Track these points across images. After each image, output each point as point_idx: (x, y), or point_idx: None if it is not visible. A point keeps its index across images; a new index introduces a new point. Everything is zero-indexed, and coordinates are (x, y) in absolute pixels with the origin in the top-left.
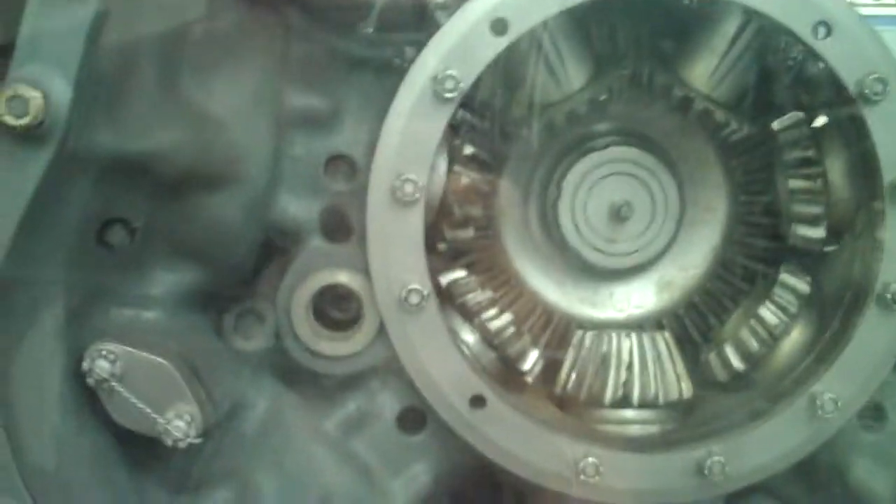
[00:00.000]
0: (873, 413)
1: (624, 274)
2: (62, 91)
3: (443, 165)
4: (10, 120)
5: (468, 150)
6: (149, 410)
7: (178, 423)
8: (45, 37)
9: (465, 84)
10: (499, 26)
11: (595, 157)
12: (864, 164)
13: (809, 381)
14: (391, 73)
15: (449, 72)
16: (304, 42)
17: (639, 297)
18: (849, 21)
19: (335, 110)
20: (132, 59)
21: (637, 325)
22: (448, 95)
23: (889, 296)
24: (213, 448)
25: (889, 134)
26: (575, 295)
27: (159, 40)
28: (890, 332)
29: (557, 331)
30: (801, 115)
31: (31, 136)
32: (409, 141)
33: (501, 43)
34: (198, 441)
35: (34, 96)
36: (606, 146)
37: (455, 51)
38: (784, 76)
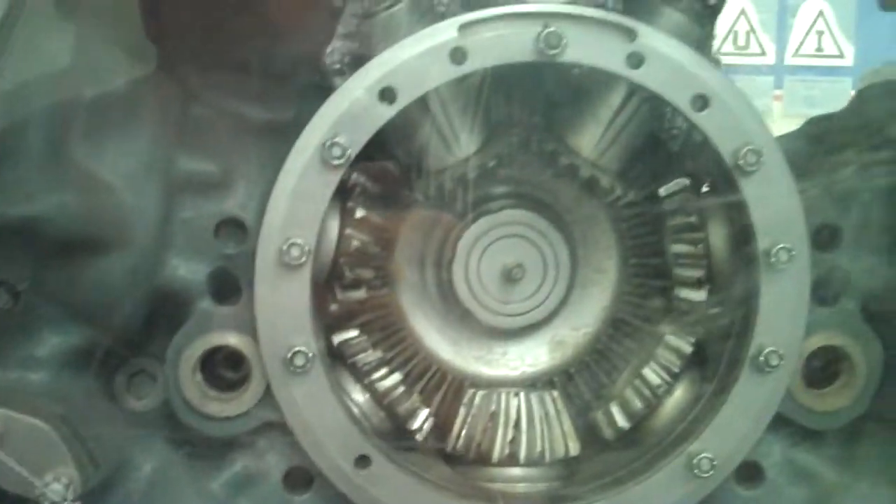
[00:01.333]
0: (750, 471)
1: (517, 333)
2: None
3: (334, 228)
4: None
5: (360, 213)
6: (26, 473)
7: (56, 487)
8: None
9: (353, 151)
10: (387, 95)
11: (489, 220)
12: (742, 232)
13: (688, 440)
14: (285, 138)
15: (337, 139)
16: (198, 106)
17: (532, 356)
18: (725, 94)
19: (227, 174)
20: (20, 124)
21: (530, 384)
22: (335, 162)
23: (762, 358)
24: None
25: (763, 203)
26: (469, 354)
27: (50, 107)
28: (763, 393)
29: (451, 389)
30: (685, 182)
31: None
32: (296, 205)
33: (389, 111)
34: None
35: None
36: (500, 209)
37: (343, 118)
38: (670, 145)
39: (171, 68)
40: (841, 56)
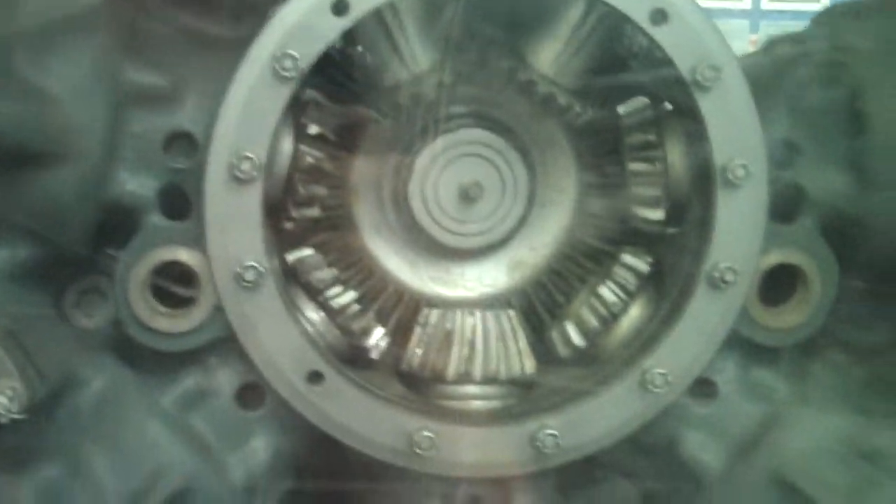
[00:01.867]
0: (704, 388)
1: (475, 254)
2: None
3: (288, 144)
4: None
5: (314, 129)
6: None
7: (1, 399)
8: None
9: (305, 64)
10: (339, 7)
11: (446, 139)
12: (699, 148)
13: (642, 356)
14: (237, 52)
15: (288, 51)
16: (148, 18)
17: (490, 277)
18: (684, 9)
19: (177, 87)
20: None
21: (488, 304)
22: (287, 75)
23: (717, 275)
24: (45, 424)
25: (720, 119)
26: (427, 274)
27: None
28: (718, 310)
29: (408, 310)
30: (645, 100)
31: None
32: (247, 119)
33: (342, 24)
34: (21, 417)
35: None
36: (457, 128)
37: (295, 30)
38: (630, 63)
39: None
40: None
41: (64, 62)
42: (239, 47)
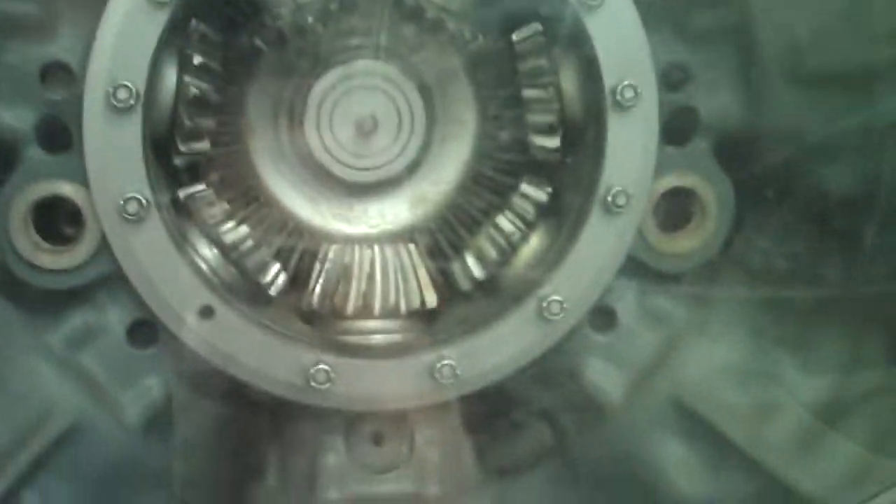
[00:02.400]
0: (603, 316)
1: (376, 189)
2: None
3: (172, 75)
4: None
5: (197, 59)
6: None
7: None
8: None
9: None
10: None
11: (339, 71)
12: (589, 71)
13: (538, 285)
14: None
15: None
16: None
17: (392, 213)
18: None
19: (51, 16)
20: None
21: (391, 240)
22: (161, 0)
23: (610, 199)
24: None
25: (608, 40)
26: (328, 212)
27: None
28: (613, 235)
29: (309, 247)
30: (537, 25)
31: None
32: (123, 47)
33: None
34: None
35: None
36: (350, 59)
37: None
38: None
39: None
40: None
41: None
42: None
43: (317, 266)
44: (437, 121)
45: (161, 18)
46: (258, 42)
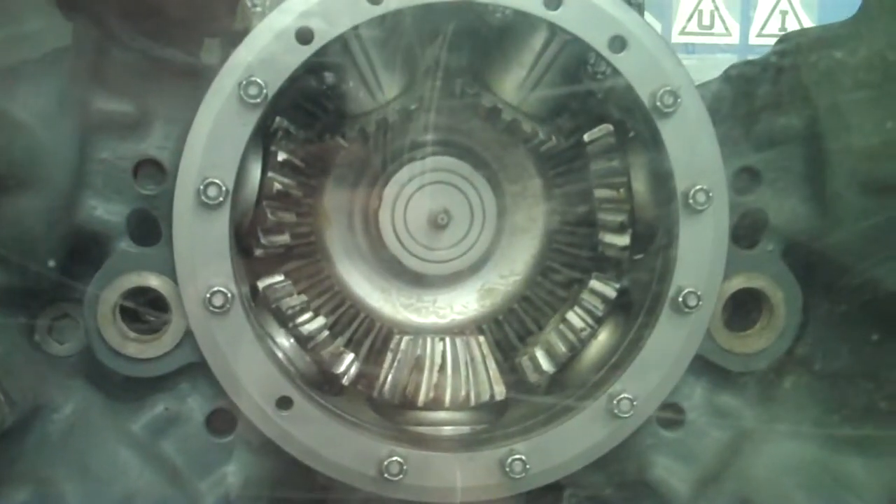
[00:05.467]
0: (672, 413)
1: (446, 280)
2: None
3: (257, 171)
4: None
5: (282, 156)
6: None
7: None
8: None
9: (270, 91)
10: (303, 35)
11: (414, 167)
12: (662, 174)
13: (608, 382)
14: (204, 80)
15: (254, 78)
16: (116, 47)
17: (462, 304)
18: (643, 35)
19: (145, 115)
20: None
21: (459, 331)
22: (253, 102)
23: (681, 299)
24: (15, 450)
25: (681, 145)
26: (399, 301)
27: None
28: (682, 334)
29: (379, 336)
30: (609, 126)
31: None
32: (214, 145)
33: (306, 52)
34: None
35: None
36: (426, 155)
37: (260, 58)
38: (593, 90)
39: (88, 10)
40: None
41: (31, 89)
42: (205, 74)
43: (388, 356)
44: (508, 216)
45: (251, 118)
46: (340, 139)
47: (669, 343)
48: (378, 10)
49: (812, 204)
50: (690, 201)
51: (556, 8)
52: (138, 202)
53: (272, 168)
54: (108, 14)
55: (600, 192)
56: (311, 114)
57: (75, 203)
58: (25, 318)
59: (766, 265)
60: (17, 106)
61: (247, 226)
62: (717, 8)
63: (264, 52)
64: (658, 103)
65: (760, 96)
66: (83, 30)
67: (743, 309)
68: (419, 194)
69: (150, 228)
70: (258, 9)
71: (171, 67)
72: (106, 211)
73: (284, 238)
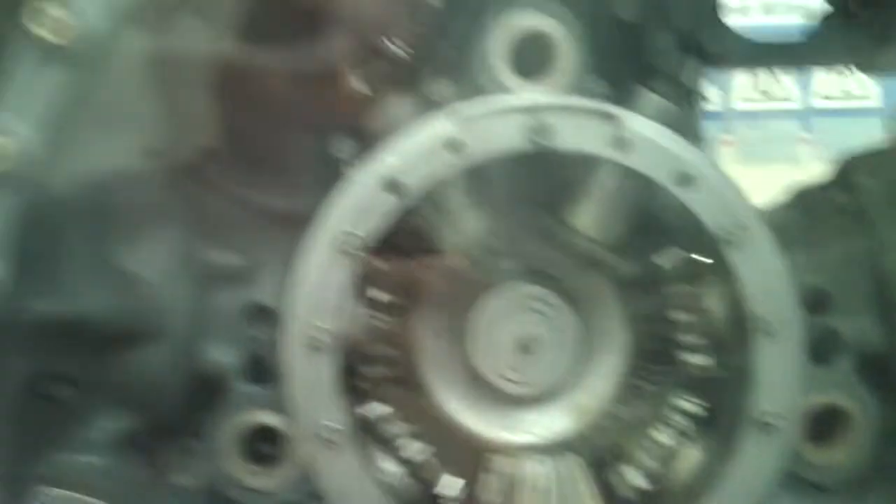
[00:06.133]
0: None
1: (537, 401)
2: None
3: (355, 310)
4: None
5: (377, 293)
6: None
7: None
8: None
9: (367, 239)
10: (393, 186)
11: (501, 296)
12: (735, 299)
13: (699, 500)
14: (305, 226)
15: (349, 229)
16: (221, 199)
17: (552, 423)
18: (709, 172)
19: (254, 263)
20: (60, 230)
21: (553, 450)
22: (352, 251)
23: (763, 419)
24: None
25: (751, 272)
26: (493, 422)
27: (87, 213)
28: (767, 452)
29: (476, 457)
30: (681, 252)
31: None
32: (317, 292)
33: (398, 202)
34: None
35: None
36: (511, 284)
37: (354, 209)
38: (664, 218)
39: (196, 166)
40: (867, 97)
41: (151, 247)
42: (304, 220)
43: (484, 477)
44: (592, 337)
45: (350, 266)
46: (430, 274)
47: (755, 461)
48: (461, 161)
49: (882, 321)
50: (764, 325)
51: (623, 150)
52: (251, 345)
53: (369, 305)
54: (214, 172)
55: (678, 315)
56: (402, 252)
57: (194, 349)
58: (152, 454)
59: (841, 382)
60: (140, 265)
61: (349, 361)
62: (774, 74)
63: (359, 204)
64: (726, 235)
65: (825, 219)
66: (193, 188)
67: (823, 423)
68: (507, 321)
69: (263, 368)
70: (347, 156)
71: (274, 215)
72: (220, 354)
73: (384, 369)
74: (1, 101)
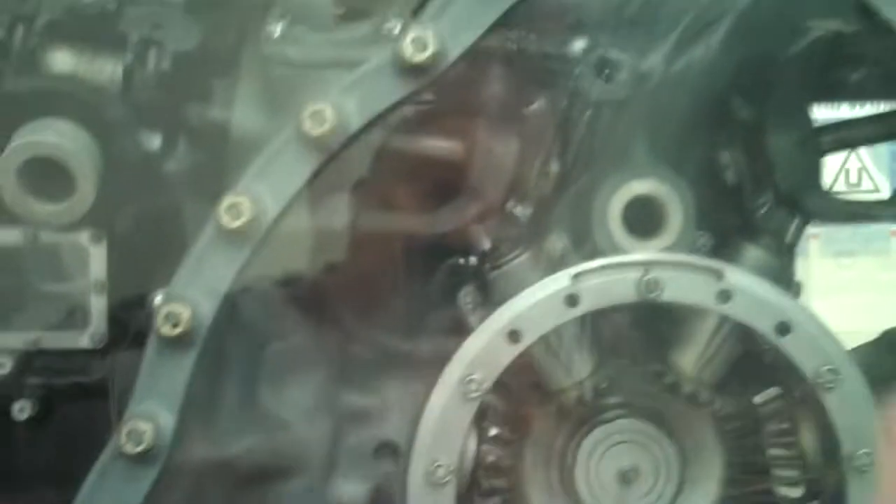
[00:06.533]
0: None
1: None
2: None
3: (472, 445)
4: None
5: (493, 431)
6: None
7: None
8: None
9: (487, 385)
10: (513, 336)
11: (604, 429)
12: (828, 437)
13: None
14: (429, 367)
15: (473, 376)
16: (355, 343)
17: None
18: (805, 321)
19: (383, 404)
20: (219, 381)
21: None
22: (473, 395)
23: None
24: None
25: (845, 413)
26: None
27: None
28: None
29: None
30: (777, 391)
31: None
32: (441, 432)
33: (516, 350)
34: None
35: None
36: (614, 419)
37: (477, 358)
38: (762, 359)
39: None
40: None
41: (295, 392)
42: (427, 362)
43: None
44: (690, 469)
45: (471, 408)
46: (541, 413)
47: None
48: (575, 313)
49: None
50: (856, 463)
51: (726, 301)
52: (378, 479)
53: (485, 441)
54: (349, 318)
55: (774, 451)
56: (513, 391)
57: (328, 484)
58: None
59: None
60: (286, 409)
61: (464, 492)
62: (864, 165)
63: (481, 352)
64: (820, 379)
65: None
66: (329, 334)
67: None
68: (610, 453)
69: (388, 501)
70: (470, 307)
71: (402, 358)
72: (351, 488)
73: (497, 501)
74: None
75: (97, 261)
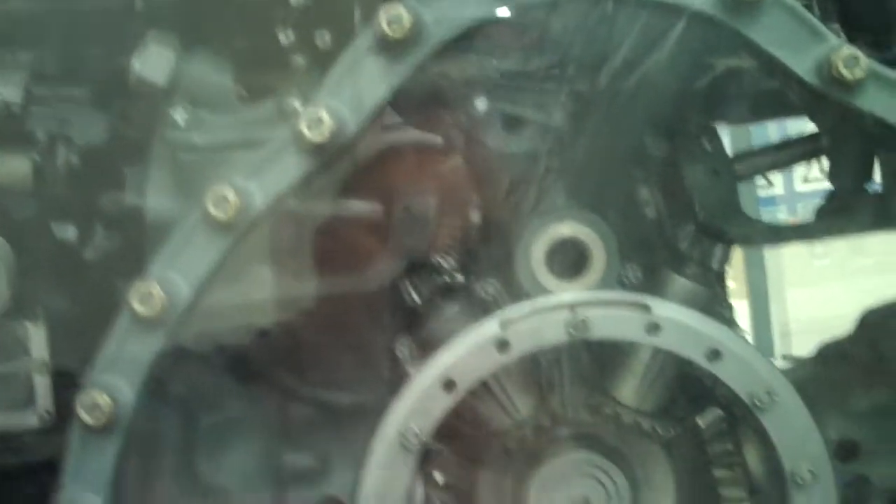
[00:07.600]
0: None
1: None
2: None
3: (420, 491)
4: None
5: (439, 477)
6: None
7: None
8: None
9: (424, 436)
10: (448, 385)
11: (553, 462)
12: (769, 456)
13: None
14: (369, 420)
15: (411, 426)
16: (296, 405)
17: None
18: (735, 346)
19: (325, 462)
20: (153, 457)
21: None
22: (412, 447)
23: None
24: None
25: (782, 432)
26: None
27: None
28: None
29: None
30: (719, 412)
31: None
32: (383, 485)
33: (451, 399)
34: None
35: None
36: (563, 452)
37: (414, 409)
38: (701, 382)
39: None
40: None
41: (233, 459)
42: (367, 415)
43: None
44: (641, 494)
45: (411, 460)
46: (486, 454)
47: None
48: (507, 358)
49: None
50: (797, 480)
51: (656, 333)
52: None
53: (432, 487)
54: (286, 376)
55: (719, 472)
56: (457, 436)
57: None
58: None
59: None
60: (224, 476)
61: None
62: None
63: (418, 402)
64: (756, 402)
65: (850, 373)
66: (268, 395)
67: None
68: (560, 485)
69: None
70: (406, 357)
71: (343, 413)
72: None
73: None
74: None
75: (37, 341)
